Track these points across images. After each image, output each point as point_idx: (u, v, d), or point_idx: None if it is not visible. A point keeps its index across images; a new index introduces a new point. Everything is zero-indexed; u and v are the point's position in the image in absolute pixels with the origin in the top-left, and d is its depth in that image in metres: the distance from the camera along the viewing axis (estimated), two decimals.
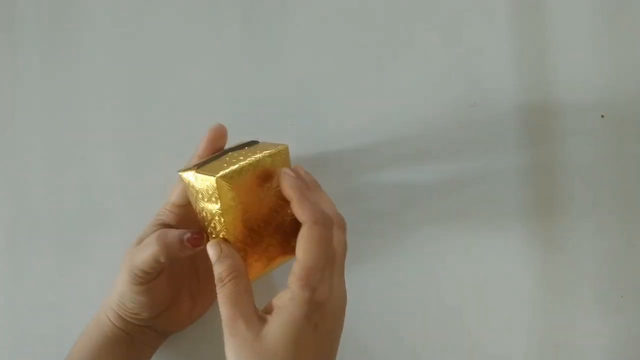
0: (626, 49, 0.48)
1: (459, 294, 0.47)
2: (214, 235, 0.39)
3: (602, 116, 0.48)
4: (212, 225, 0.38)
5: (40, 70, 0.50)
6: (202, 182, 0.37)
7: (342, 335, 0.38)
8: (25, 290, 0.49)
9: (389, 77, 0.48)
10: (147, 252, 0.39)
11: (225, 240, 0.38)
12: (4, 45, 0.50)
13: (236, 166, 0.37)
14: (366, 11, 0.49)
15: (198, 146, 0.42)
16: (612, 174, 0.47)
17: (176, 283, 0.44)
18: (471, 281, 0.47)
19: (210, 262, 0.42)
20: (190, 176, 0.38)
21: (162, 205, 0.43)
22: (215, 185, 0.36)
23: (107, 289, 0.43)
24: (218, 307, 0.36)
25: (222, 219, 0.37)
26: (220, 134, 0.42)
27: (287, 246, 0.41)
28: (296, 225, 0.37)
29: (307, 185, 0.38)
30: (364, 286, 0.47)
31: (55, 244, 0.49)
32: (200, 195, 0.38)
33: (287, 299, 0.35)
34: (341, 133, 0.48)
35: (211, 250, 0.37)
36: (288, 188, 0.37)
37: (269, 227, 0.39)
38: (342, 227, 0.39)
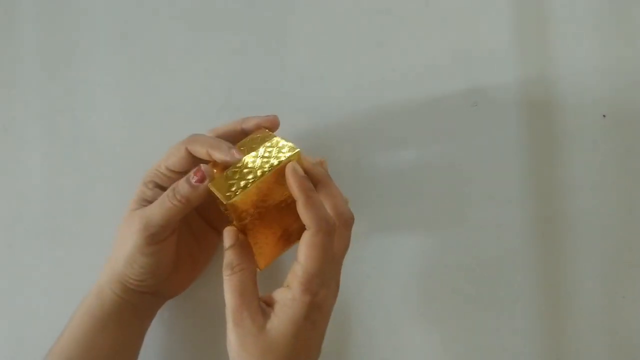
0: (627, 49, 0.48)
1: (458, 293, 0.47)
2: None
3: (604, 116, 0.48)
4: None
5: (40, 70, 0.50)
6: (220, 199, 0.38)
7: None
8: (25, 288, 0.49)
9: (389, 77, 0.48)
10: (165, 207, 0.39)
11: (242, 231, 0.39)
12: (4, 45, 0.50)
13: (244, 185, 0.37)
14: (366, 11, 0.49)
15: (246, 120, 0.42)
16: (613, 173, 0.47)
17: (179, 244, 0.43)
18: (470, 281, 0.47)
19: (206, 219, 0.45)
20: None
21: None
22: (227, 206, 0.37)
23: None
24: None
25: (247, 227, 0.38)
26: (272, 124, 0.43)
27: (291, 245, 0.41)
28: None
29: (312, 185, 0.38)
30: (361, 284, 0.47)
31: (54, 242, 0.49)
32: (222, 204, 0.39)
33: (288, 299, 0.36)
34: (340, 133, 0.48)
35: (227, 235, 0.38)
36: (294, 188, 0.37)
37: (280, 213, 0.40)
38: (348, 225, 0.39)
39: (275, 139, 0.40)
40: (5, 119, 0.50)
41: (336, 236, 0.38)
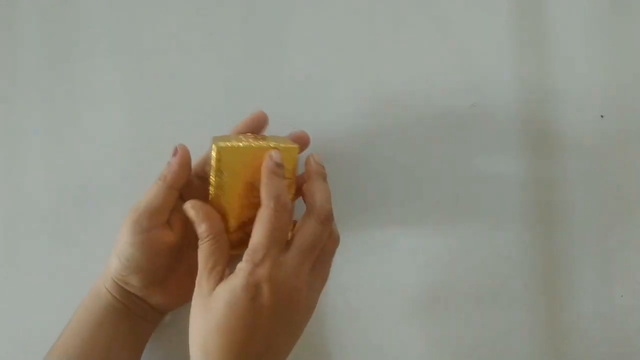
0: (626, 49, 0.48)
1: (457, 292, 0.47)
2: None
3: (602, 116, 0.48)
4: (212, 193, 0.41)
5: (40, 70, 0.50)
6: (212, 150, 0.40)
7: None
8: (24, 286, 0.49)
9: (388, 77, 0.48)
10: (151, 190, 0.41)
11: (210, 202, 0.40)
12: (4, 45, 0.50)
13: (241, 143, 0.40)
14: (365, 11, 0.49)
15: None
16: (612, 173, 0.47)
17: (176, 256, 0.44)
18: (469, 280, 0.47)
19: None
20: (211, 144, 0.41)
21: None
22: (215, 151, 0.39)
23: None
24: None
25: (218, 189, 0.40)
26: (259, 120, 0.44)
27: None
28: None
29: (280, 172, 0.40)
30: (358, 282, 0.48)
31: (53, 240, 0.49)
32: (210, 163, 0.41)
33: (237, 268, 0.38)
34: (340, 133, 0.48)
35: (191, 210, 0.40)
36: (262, 168, 0.39)
37: (251, 211, 0.40)
38: (323, 220, 0.39)
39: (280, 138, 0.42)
40: (5, 119, 0.50)
41: (304, 228, 0.39)
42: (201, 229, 0.39)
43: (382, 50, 0.49)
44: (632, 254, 0.47)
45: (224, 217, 0.41)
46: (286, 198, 0.39)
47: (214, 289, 0.37)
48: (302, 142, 0.44)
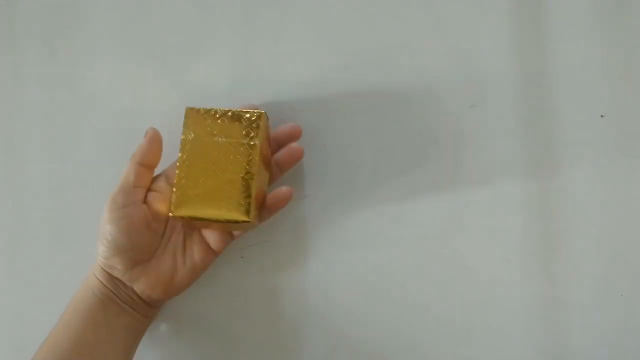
0: (626, 49, 0.48)
1: (457, 292, 0.47)
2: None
3: (602, 116, 0.48)
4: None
5: (39, 70, 0.50)
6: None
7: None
8: (24, 288, 0.49)
9: (388, 77, 0.48)
10: (124, 170, 0.43)
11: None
12: (4, 45, 0.50)
13: (206, 107, 0.43)
14: (365, 11, 0.49)
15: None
16: (612, 173, 0.47)
17: (158, 239, 0.44)
18: (469, 281, 0.47)
19: (200, 233, 0.46)
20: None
21: None
22: (185, 113, 0.42)
23: None
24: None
25: (180, 148, 0.42)
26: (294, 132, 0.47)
27: (233, 202, 0.42)
28: (247, 186, 0.42)
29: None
30: (356, 281, 0.48)
31: (54, 242, 0.49)
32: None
33: None
34: (339, 133, 0.48)
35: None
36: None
37: (218, 176, 0.42)
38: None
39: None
40: (6, 119, 0.50)
41: None
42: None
43: (382, 50, 0.49)
44: (632, 253, 0.47)
45: (192, 180, 0.42)
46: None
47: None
48: (295, 136, 0.46)
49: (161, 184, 0.44)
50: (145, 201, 0.44)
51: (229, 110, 0.42)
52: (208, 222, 0.42)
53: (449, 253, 0.48)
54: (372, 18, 0.49)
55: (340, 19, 0.49)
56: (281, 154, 0.46)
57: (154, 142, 0.44)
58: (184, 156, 0.42)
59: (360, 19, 0.49)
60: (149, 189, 0.44)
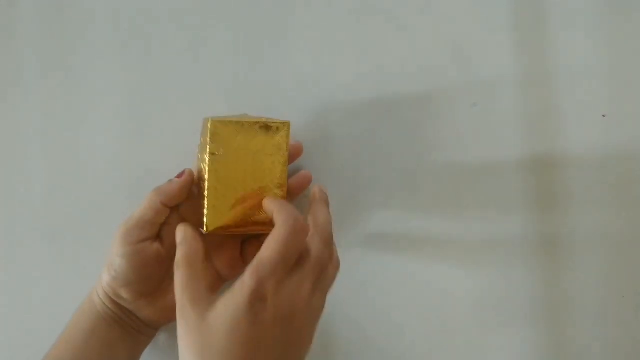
0: (627, 48, 0.48)
1: (457, 292, 0.47)
2: (202, 174, 0.42)
3: (604, 116, 0.48)
4: (203, 164, 0.42)
5: (40, 70, 0.50)
6: (204, 127, 0.42)
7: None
8: (25, 289, 0.49)
9: (388, 77, 0.48)
10: (144, 203, 0.42)
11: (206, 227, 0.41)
12: (4, 45, 0.50)
13: (231, 119, 0.41)
14: (365, 10, 0.49)
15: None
16: (612, 173, 0.47)
17: (166, 270, 0.44)
18: (469, 280, 0.47)
19: (210, 261, 0.45)
20: (203, 122, 0.42)
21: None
22: (209, 126, 0.40)
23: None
24: None
25: (209, 163, 0.41)
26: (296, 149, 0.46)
27: (261, 215, 0.42)
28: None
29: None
30: (356, 281, 0.47)
31: (53, 243, 0.49)
32: (202, 142, 0.42)
33: (236, 286, 0.36)
34: (339, 133, 0.48)
35: (177, 232, 0.40)
36: (269, 203, 0.40)
37: (251, 185, 0.42)
38: (326, 241, 0.39)
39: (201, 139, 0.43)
40: (5, 120, 0.50)
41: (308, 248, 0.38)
42: (179, 253, 0.38)
43: (382, 50, 0.48)
44: (633, 254, 0.47)
45: (223, 194, 0.41)
46: (299, 217, 0.38)
47: (205, 313, 0.35)
48: (296, 152, 0.46)
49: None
50: (159, 235, 0.43)
51: (257, 122, 0.42)
52: (241, 231, 0.42)
53: (449, 252, 0.48)
54: (372, 18, 0.49)
55: (340, 19, 0.49)
56: (292, 180, 0.45)
57: (187, 187, 0.42)
58: (213, 170, 0.41)
59: (360, 20, 0.49)
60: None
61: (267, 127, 0.42)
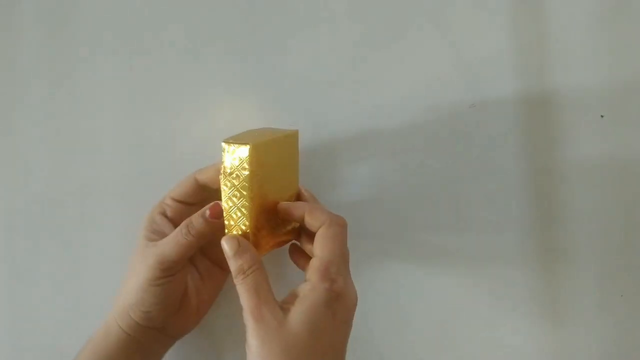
0: (626, 49, 0.48)
1: (458, 292, 0.47)
2: (233, 212, 0.39)
3: (602, 116, 0.48)
4: (234, 199, 0.39)
5: (40, 71, 0.50)
6: (235, 151, 0.39)
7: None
8: (25, 290, 0.49)
9: (388, 77, 0.48)
10: (179, 242, 0.40)
11: (244, 228, 0.39)
12: (4, 45, 0.50)
13: (261, 139, 0.39)
14: (365, 10, 0.49)
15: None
16: (612, 174, 0.47)
17: (184, 281, 0.44)
18: (470, 280, 0.47)
19: (211, 258, 0.45)
20: (225, 147, 0.39)
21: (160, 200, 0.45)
22: (248, 152, 0.38)
23: (115, 288, 0.43)
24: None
25: (246, 190, 0.39)
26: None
27: (287, 227, 0.42)
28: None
29: (305, 203, 0.42)
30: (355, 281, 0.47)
31: (54, 244, 0.49)
32: (229, 165, 0.39)
33: (307, 290, 0.37)
34: (339, 133, 0.48)
35: (227, 243, 0.39)
36: (295, 209, 0.40)
37: (274, 207, 0.41)
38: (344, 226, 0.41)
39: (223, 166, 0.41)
40: (5, 120, 0.50)
41: (344, 240, 0.40)
42: (242, 260, 0.38)
43: (382, 50, 0.49)
44: (632, 254, 0.47)
45: (247, 222, 0.39)
46: (337, 215, 0.40)
47: (284, 318, 0.36)
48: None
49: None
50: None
51: (275, 135, 0.41)
52: (278, 247, 0.42)
53: (449, 251, 0.48)
54: (372, 17, 0.49)
55: (340, 19, 0.49)
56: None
57: (219, 225, 0.41)
58: (253, 194, 0.39)
59: (360, 20, 0.49)
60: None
61: (285, 137, 0.41)
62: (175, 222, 0.43)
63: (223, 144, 0.39)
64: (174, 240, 0.41)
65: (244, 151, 0.38)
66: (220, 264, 0.46)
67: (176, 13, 0.50)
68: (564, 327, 0.47)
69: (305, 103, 0.48)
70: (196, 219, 0.41)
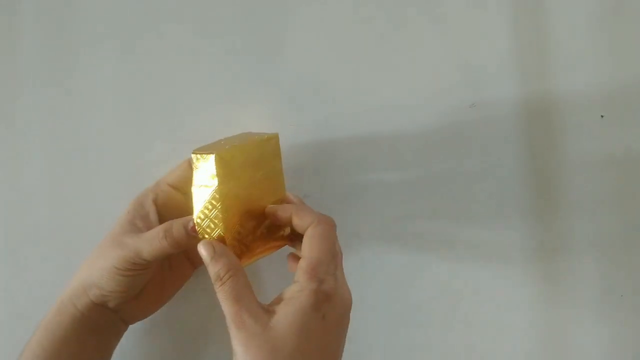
0: (626, 49, 0.48)
1: (458, 292, 0.47)
2: (206, 226, 0.38)
3: (602, 116, 0.48)
4: (206, 211, 0.38)
5: (40, 71, 0.50)
6: (202, 162, 0.38)
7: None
8: (25, 290, 0.49)
9: (388, 77, 0.48)
10: (154, 246, 0.39)
11: (219, 238, 0.38)
12: (4, 45, 0.50)
13: (229, 147, 0.38)
14: (365, 11, 0.49)
15: None
16: (611, 174, 0.47)
17: (151, 273, 0.44)
18: (470, 280, 0.47)
19: (185, 250, 0.44)
20: (194, 159, 0.38)
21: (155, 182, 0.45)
22: (214, 162, 0.37)
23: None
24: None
25: (218, 201, 0.38)
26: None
27: (278, 233, 0.42)
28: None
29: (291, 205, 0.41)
30: (355, 282, 0.47)
31: (54, 244, 0.49)
32: (198, 177, 0.38)
33: (295, 291, 0.36)
34: (339, 133, 0.48)
35: (203, 249, 0.38)
36: (282, 211, 0.40)
37: (259, 212, 0.40)
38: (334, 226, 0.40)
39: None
40: (5, 119, 0.50)
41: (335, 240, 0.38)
42: (218, 266, 0.37)
43: (382, 50, 0.49)
44: (632, 254, 0.47)
45: (224, 230, 0.38)
46: (325, 215, 0.39)
47: (268, 322, 0.35)
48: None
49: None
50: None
51: (247, 141, 0.40)
52: (264, 255, 0.42)
53: (449, 251, 0.48)
54: (372, 18, 0.49)
55: (340, 19, 0.49)
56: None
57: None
58: (225, 204, 0.38)
59: (360, 20, 0.49)
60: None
61: (261, 141, 0.40)
62: (164, 211, 0.43)
63: (192, 155, 0.38)
64: (151, 241, 0.40)
65: (210, 161, 0.37)
66: (192, 258, 0.46)
67: (176, 13, 0.50)
68: (564, 326, 0.47)
69: (305, 103, 0.48)
70: (177, 229, 0.39)
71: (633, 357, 0.47)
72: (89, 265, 0.42)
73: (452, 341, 0.47)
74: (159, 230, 0.40)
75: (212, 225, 0.38)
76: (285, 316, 0.35)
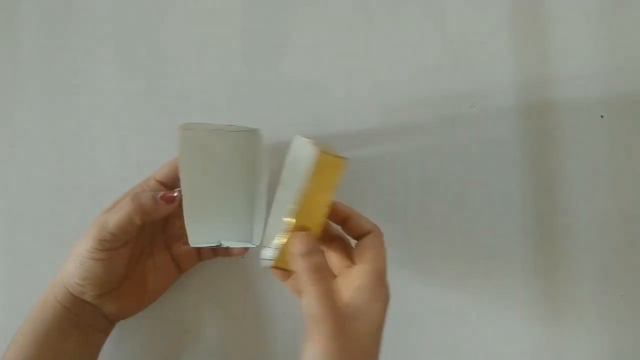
0: (626, 49, 0.48)
1: (458, 292, 0.47)
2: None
3: (602, 116, 0.48)
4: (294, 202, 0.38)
5: (40, 71, 0.50)
6: (307, 154, 0.38)
7: None
8: (25, 290, 0.49)
9: (388, 77, 0.48)
10: (120, 213, 0.40)
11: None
12: (4, 45, 0.50)
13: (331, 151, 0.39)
14: (365, 11, 0.49)
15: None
16: (612, 174, 0.47)
17: (136, 268, 0.44)
18: (470, 280, 0.47)
19: (172, 254, 0.45)
20: (302, 143, 0.39)
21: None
22: (316, 158, 0.38)
23: None
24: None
25: (308, 195, 0.38)
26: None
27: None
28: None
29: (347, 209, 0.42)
30: None
31: (54, 244, 0.49)
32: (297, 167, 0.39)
33: (371, 299, 0.37)
34: (339, 133, 0.48)
35: (298, 242, 0.37)
36: (341, 205, 0.41)
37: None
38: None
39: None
40: (5, 119, 0.50)
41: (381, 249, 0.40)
42: (316, 260, 0.37)
43: (382, 50, 0.49)
44: (632, 254, 0.47)
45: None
46: None
47: (352, 328, 0.36)
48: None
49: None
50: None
51: (225, 128, 0.40)
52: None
53: (448, 252, 0.48)
54: (372, 17, 0.49)
55: (340, 19, 0.49)
56: None
57: (167, 208, 0.41)
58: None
59: (359, 20, 0.49)
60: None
61: (236, 135, 0.41)
62: None
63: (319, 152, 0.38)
64: (117, 211, 0.40)
65: (316, 156, 0.38)
66: (179, 262, 0.46)
67: (176, 13, 0.50)
68: (564, 327, 0.47)
69: (304, 103, 0.48)
70: (145, 194, 0.41)
71: (633, 357, 0.47)
72: (68, 263, 0.42)
73: (450, 345, 0.47)
74: (125, 199, 0.41)
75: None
76: (364, 317, 0.36)
